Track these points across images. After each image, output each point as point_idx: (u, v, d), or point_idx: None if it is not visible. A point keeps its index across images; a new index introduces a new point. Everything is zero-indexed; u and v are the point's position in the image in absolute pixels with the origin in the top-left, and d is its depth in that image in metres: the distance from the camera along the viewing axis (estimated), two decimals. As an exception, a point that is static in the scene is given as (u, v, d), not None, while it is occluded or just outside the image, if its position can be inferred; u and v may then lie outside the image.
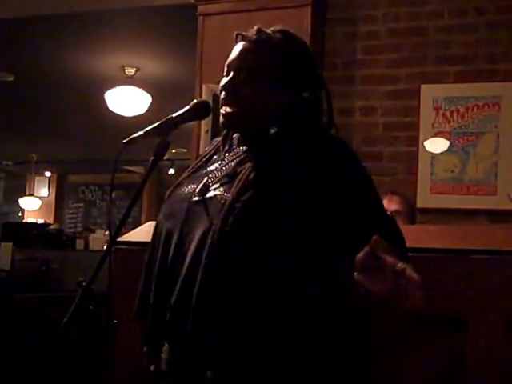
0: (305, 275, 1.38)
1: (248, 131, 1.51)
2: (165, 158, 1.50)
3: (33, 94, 7.09)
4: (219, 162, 1.53)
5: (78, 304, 1.34)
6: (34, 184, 12.41)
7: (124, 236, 2.07)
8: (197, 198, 1.45)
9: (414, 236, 1.45)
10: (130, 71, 6.18)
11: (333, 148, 1.46)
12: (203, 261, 1.35)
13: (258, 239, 1.36)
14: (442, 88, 3.46)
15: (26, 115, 8.12)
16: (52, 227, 8.93)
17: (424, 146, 3.45)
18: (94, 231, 9.09)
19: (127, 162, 9.00)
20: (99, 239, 7.71)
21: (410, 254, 1.61)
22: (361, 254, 1.15)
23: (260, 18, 3.00)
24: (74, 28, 5.14)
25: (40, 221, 11.58)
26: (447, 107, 3.44)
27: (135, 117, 6.19)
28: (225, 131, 1.58)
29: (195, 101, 1.57)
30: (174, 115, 1.52)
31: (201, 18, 3.61)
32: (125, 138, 1.47)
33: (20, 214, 12.76)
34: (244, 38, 1.52)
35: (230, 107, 1.49)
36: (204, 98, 3.18)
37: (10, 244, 5.93)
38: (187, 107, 1.55)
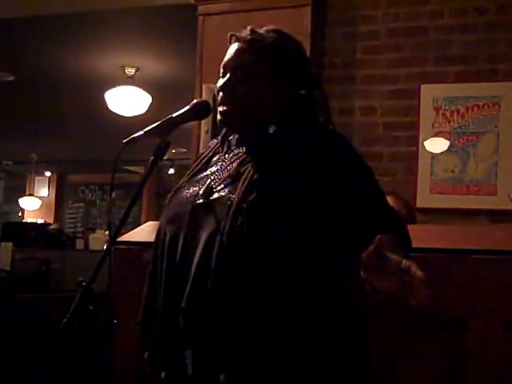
0: (314, 273, 1.38)
1: (246, 130, 1.51)
2: (165, 157, 1.50)
3: (33, 94, 7.09)
4: (220, 164, 1.52)
5: (78, 304, 1.34)
6: (33, 184, 12.41)
7: (124, 236, 2.07)
8: (201, 201, 1.45)
9: (414, 236, 1.45)
10: (130, 71, 6.18)
11: (333, 144, 1.46)
12: (213, 262, 1.35)
13: (267, 239, 1.36)
14: (442, 88, 3.46)
15: (26, 115, 8.12)
16: (52, 227, 8.93)
17: (424, 146, 3.45)
18: (94, 231, 9.10)
19: (127, 161, 8.99)
20: (99, 239, 7.72)
21: (411, 254, 1.61)
22: (365, 253, 1.15)
23: (260, 18, 3.01)
24: (74, 28, 5.14)
25: (40, 221, 11.58)
26: (447, 107, 3.44)
27: (135, 117, 6.19)
28: (223, 132, 1.58)
29: (195, 101, 1.57)
30: (173, 115, 1.52)
31: (201, 17, 3.61)
32: (125, 138, 1.47)
33: (20, 214, 12.76)
34: (238, 39, 1.53)
35: (228, 106, 1.49)
36: (204, 97, 3.18)
37: (10, 244, 5.93)
38: (187, 107, 1.55)
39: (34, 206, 11.85)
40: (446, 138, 3.44)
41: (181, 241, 1.44)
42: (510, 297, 1.69)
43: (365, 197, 1.43)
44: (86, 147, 10.14)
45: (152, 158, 1.47)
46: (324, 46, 3.63)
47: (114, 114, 6.28)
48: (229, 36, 1.56)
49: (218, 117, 1.52)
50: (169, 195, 1.56)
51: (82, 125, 8.46)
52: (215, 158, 1.57)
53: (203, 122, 3.23)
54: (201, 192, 1.46)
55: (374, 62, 3.58)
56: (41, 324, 4.60)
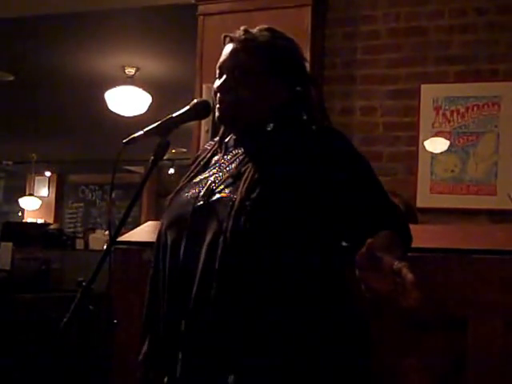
0: (317, 272, 1.38)
1: (246, 129, 1.51)
2: (165, 157, 1.50)
3: (33, 94, 7.09)
4: (218, 165, 1.52)
5: (78, 304, 1.34)
6: (33, 184, 12.40)
7: (124, 236, 2.07)
8: (201, 203, 1.44)
9: (414, 236, 1.45)
10: (130, 71, 6.18)
11: (332, 141, 1.47)
12: (217, 263, 1.35)
13: (270, 237, 1.36)
14: (442, 88, 3.46)
15: (26, 115, 8.12)
16: (52, 227, 8.93)
17: (424, 146, 3.45)
18: (95, 231, 9.10)
19: (127, 161, 8.99)
20: (99, 239, 7.72)
21: (410, 254, 1.61)
22: (358, 255, 1.15)
23: (260, 17, 3.01)
24: (74, 28, 5.14)
25: (40, 221, 11.58)
26: (447, 107, 3.44)
27: (135, 117, 6.19)
28: (220, 134, 1.58)
29: (195, 100, 1.57)
30: (174, 115, 1.52)
31: (201, 17, 3.61)
32: (125, 138, 1.47)
33: (20, 214, 12.76)
34: (232, 39, 1.53)
35: (227, 105, 1.49)
36: (204, 97, 3.18)
37: (10, 244, 5.93)
38: (187, 107, 1.55)
39: (33, 205, 11.85)
40: (446, 138, 3.44)
41: (183, 244, 1.43)
42: (510, 297, 1.69)
43: (365, 193, 1.44)
44: (86, 147, 10.14)
45: (152, 157, 1.47)
46: (324, 46, 3.63)
47: (114, 113, 6.27)
48: (222, 37, 1.57)
49: (217, 114, 1.52)
50: (168, 197, 1.56)
51: (82, 125, 8.45)
52: (214, 160, 1.57)
53: (203, 121, 3.23)
54: (201, 194, 1.46)
55: (374, 62, 3.58)
56: (41, 324, 4.60)
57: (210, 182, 1.48)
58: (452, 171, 3.41)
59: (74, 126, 8.55)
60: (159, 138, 1.48)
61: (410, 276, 1.10)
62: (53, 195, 12.87)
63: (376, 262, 1.15)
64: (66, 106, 7.55)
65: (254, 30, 1.54)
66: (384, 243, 1.30)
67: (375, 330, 1.48)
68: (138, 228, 2.23)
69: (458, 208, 3.37)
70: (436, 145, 3.44)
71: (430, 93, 3.46)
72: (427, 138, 3.45)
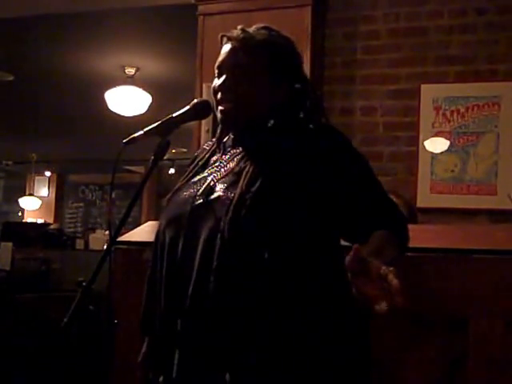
0: (317, 269, 1.38)
1: (247, 127, 1.52)
2: (165, 157, 1.50)
3: (33, 94, 7.09)
4: (217, 164, 1.53)
5: (78, 304, 1.33)
6: (33, 184, 12.40)
7: (124, 236, 2.07)
8: (200, 201, 1.45)
9: (414, 236, 1.45)
10: (130, 71, 6.17)
11: (330, 138, 1.48)
12: (215, 258, 1.35)
13: (270, 232, 1.36)
14: (442, 88, 3.46)
15: (26, 115, 8.12)
16: (52, 227, 8.94)
17: (424, 146, 3.45)
18: (95, 231, 9.10)
19: (127, 161, 8.99)
20: (99, 239, 7.72)
21: (410, 254, 1.61)
22: (346, 260, 1.16)
23: (260, 18, 3.00)
24: (74, 28, 5.14)
25: (40, 221, 11.58)
26: (447, 107, 3.44)
27: (135, 117, 6.19)
28: (218, 134, 1.59)
29: (195, 100, 1.57)
30: (174, 115, 1.52)
31: (201, 17, 3.61)
32: (125, 138, 1.47)
33: (20, 214, 12.76)
34: (230, 39, 1.54)
35: (229, 103, 1.49)
36: (204, 97, 3.17)
37: (10, 244, 5.93)
38: (187, 107, 1.55)
39: (33, 205, 11.85)
40: (446, 138, 3.44)
41: (181, 242, 1.43)
42: (510, 297, 1.69)
43: (363, 191, 1.45)
44: (86, 147, 10.14)
45: (152, 157, 1.47)
46: (324, 46, 3.63)
47: (114, 113, 6.27)
48: (220, 37, 1.57)
49: (219, 115, 1.52)
50: (166, 198, 1.56)
51: (81, 124, 8.46)
52: (212, 160, 1.57)
53: (203, 121, 3.22)
54: (199, 192, 1.47)
55: (374, 62, 3.58)
56: (41, 324, 4.60)
57: (208, 180, 1.49)
58: (452, 171, 3.41)
59: (74, 125, 8.55)
60: (159, 138, 1.48)
61: (395, 282, 1.11)
62: (53, 195, 12.87)
63: (365, 265, 1.15)
64: (66, 106, 7.54)
65: (252, 29, 1.55)
66: (377, 245, 1.31)
67: (375, 329, 1.48)
68: (138, 228, 2.23)
69: (457, 208, 3.37)
70: (436, 145, 3.44)
71: (429, 93, 3.46)
72: (427, 138, 3.45)
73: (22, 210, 12.48)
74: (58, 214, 12.82)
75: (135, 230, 2.21)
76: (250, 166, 1.42)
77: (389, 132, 3.52)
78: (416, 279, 1.74)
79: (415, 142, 3.46)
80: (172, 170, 10.77)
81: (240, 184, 1.39)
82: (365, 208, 1.42)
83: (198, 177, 1.54)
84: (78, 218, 12.79)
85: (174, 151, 8.84)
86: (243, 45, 1.51)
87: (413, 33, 3.52)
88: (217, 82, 1.53)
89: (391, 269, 1.13)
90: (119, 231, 1.46)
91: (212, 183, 1.47)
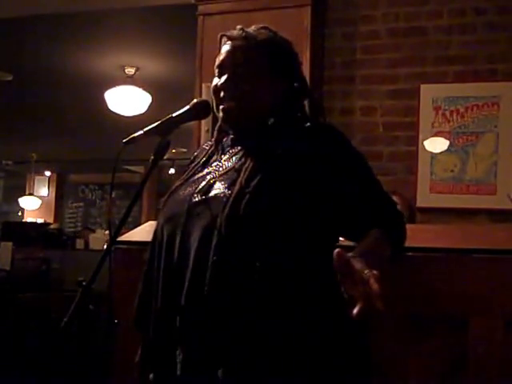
0: (314, 265, 1.39)
1: (248, 126, 1.52)
2: (165, 157, 1.50)
3: (32, 94, 7.08)
4: (216, 164, 1.53)
5: (78, 304, 1.34)
6: (33, 183, 12.41)
7: (124, 236, 2.07)
8: (198, 199, 1.45)
9: (414, 236, 1.45)
10: (130, 71, 6.18)
11: (328, 136, 1.49)
12: (211, 253, 1.35)
13: (267, 228, 1.36)
14: (442, 88, 3.46)
15: (26, 115, 8.12)
16: (52, 227, 8.94)
17: (424, 146, 3.45)
18: (93, 231, 9.10)
19: (127, 161, 9.00)
20: (99, 239, 7.72)
21: (410, 254, 1.61)
22: (334, 263, 1.16)
23: (260, 17, 3.00)
24: (74, 28, 5.14)
25: (40, 220, 11.59)
26: (447, 107, 3.44)
27: (135, 116, 6.19)
28: (215, 136, 1.59)
29: (195, 100, 1.57)
30: (174, 115, 1.52)
31: (201, 17, 3.61)
32: (125, 138, 1.47)
33: (20, 214, 12.77)
34: (231, 38, 1.54)
35: (232, 102, 1.49)
36: (204, 97, 3.18)
37: (10, 244, 5.94)
38: (187, 107, 1.55)
39: (33, 205, 11.85)
40: (445, 138, 3.44)
41: (178, 239, 1.44)
42: (510, 297, 1.70)
43: (361, 188, 1.46)
44: (86, 147, 10.14)
45: (152, 157, 1.47)
46: (324, 46, 3.63)
47: (114, 113, 6.27)
48: (219, 36, 1.58)
49: (222, 115, 1.52)
50: (163, 198, 1.56)
51: (81, 124, 8.45)
52: (211, 160, 1.57)
53: (203, 121, 3.22)
54: (197, 190, 1.47)
55: (373, 62, 3.58)
56: (41, 324, 4.61)
57: (207, 179, 1.49)
58: (452, 171, 3.41)
59: (73, 125, 8.55)
60: (159, 138, 1.48)
61: (375, 286, 1.11)
62: (53, 195, 12.89)
63: (350, 268, 1.16)
64: (66, 106, 7.54)
65: (251, 29, 1.56)
66: (368, 245, 1.33)
67: (376, 329, 1.48)
68: (139, 228, 2.23)
69: (457, 208, 3.37)
70: (436, 145, 3.45)
71: (429, 93, 3.46)
72: (427, 138, 3.45)
73: (22, 210, 12.49)
74: (58, 214, 12.83)
75: (135, 230, 2.21)
76: (249, 163, 1.43)
77: (389, 132, 3.52)
78: (416, 279, 1.75)
79: (415, 141, 3.46)
80: (172, 170, 10.78)
81: (239, 180, 1.40)
82: (363, 206, 1.44)
83: (197, 176, 1.54)
84: (78, 218, 12.80)
85: (174, 151, 8.84)
86: (245, 44, 1.52)
87: (412, 33, 3.52)
88: (218, 81, 1.53)
89: (374, 272, 1.14)
90: (119, 231, 1.46)
91: (211, 181, 1.47)
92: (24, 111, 7.95)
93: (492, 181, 3.34)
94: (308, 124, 1.50)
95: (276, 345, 1.34)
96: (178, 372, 1.41)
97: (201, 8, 3.61)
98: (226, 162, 1.51)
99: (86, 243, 7.92)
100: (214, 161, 1.55)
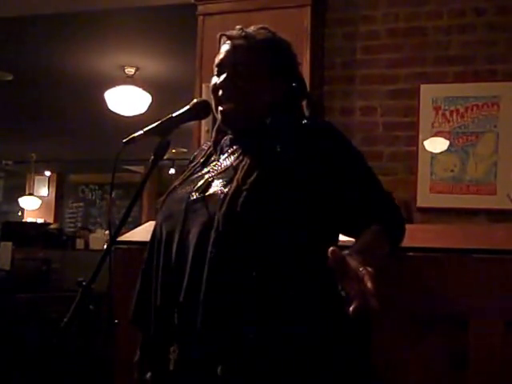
0: (317, 265, 1.39)
1: (246, 126, 1.52)
2: (165, 157, 1.50)
3: (32, 94, 7.08)
4: (214, 163, 1.54)
5: (79, 304, 1.34)
6: (33, 183, 12.40)
7: (124, 235, 2.07)
8: (196, 197, 1.45)
9: (414, 236, 1.45)
10: (130, 71, 6.17)
11: (327, 132, 1.49)
12: (209, 251, 1.35)
13: (264, 224, 1.36)
14: (442, 88, 3.46)
15: (26, 115, 8.12)
16: (52, 227, 8.94)
17: (424, 146, 3.45)
18: (90, 231, 9.09)
19: (127, 161, 9.00)
20: (99, 239, 7.73)
21: (410, 254, 1.61)
22: (329, 259, 1.16)
23: (260, 17, 3.01)
24: (74, 28, 5.14)
25: (40, 220, 11.59)
26: (447, 107, 3.44)
27: (135, 116, 6.19)
28: (213, 137, 1.59)
29: (195, 100, 1.57)
30: (174, 115, 1.52)
31: (201, 17, 3.61)
32: (125, 138, 1.47)
33: (20, 214, 12.76)
34: (230, 37, 1.55)
35: (231, 102, 1.49)
36: (204, 97, 3.18)
37: (10, 243, 5.94)
38: (187, 107, 1.55)
39: (33, 205, 11.85)
40: (445, 138, 3.44)
41: (176, 237, 1.44)
42: (510, 296, 1.70)
43: (359, 185, 1.46)
44: (86, 147, 10.14)
45: (152, 157, 1.47)
46: (324, 46, 3.63)
47: (114, 113, 6.27)
48: (218, 36, 1.58)
49: (220, 116, 1.52)
50: (161, 199, 1.57)
51: (81, 124, 8.46)
52: (210, 160, 1.58)
53: (203, 121, 3.22)
54: (195, 188, 1.47)
55: (373, 62, 3.58)
56: (41, 323, 4.61)
57: (205, 178, 1.50)
58: (452, 171, 3.41)
59: (73, 125, 8.55)
60: (159, 138, 1.48)
61: (369, 285, 1.11)
62: (53, 195, 12.88)
63: (346, 266, 1.16)
64: (66, 106, 7.54)
65: (251, 29, 1.57)
66: (364, 243, 1.33)
67: (376, 329, 1.48)
68: (139, 228, 2.23)
69: (457, 208, 3.37)
70: (436, 145, 3.45)
71: (429, 93, 3.46)
72: (427, 138, 3.45)
73: (22, 210, 12.49)
74: (58, 214, 12.83)
75: (135, 230, 2.21)
76: (246, 160, 1.43)
77: (389, 132, 3.52)
78: (416, 279, 1.75)
79: (415, 141, 3.46)
80: (172, 170, 10.77)
81: (236, 177, 1.40)
82: (361, 202, 1.44)
83: (196, 175, 1.54)
84: (78, 218, 12.80)
85: (174, 151, 8.84)
86: (244, 43, 1.52)
87: (412, 33, 3.52)
88: (217, 80, 1.53)
89: (369, 270, 1.14)
90: (119, 231, 1.46)
91: (209, 180, 1.48)
92: (24, 111, 7.95)
93: (492, 181, 3.34)
94: (305, 121, 1.50)
95: (275, 343, 1.34)
96: (171, 368, 1.41)
97: (201, 8, 3.61)
98: (224, 161, 1.51)
99: (86, 243, 7.92)
100: (213, 161, 1.55)
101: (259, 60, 1.52)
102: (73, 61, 6.02)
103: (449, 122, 3.44)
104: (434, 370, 1.74)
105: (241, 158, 1.46)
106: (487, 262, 1.72)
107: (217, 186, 1.44)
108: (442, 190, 3.42)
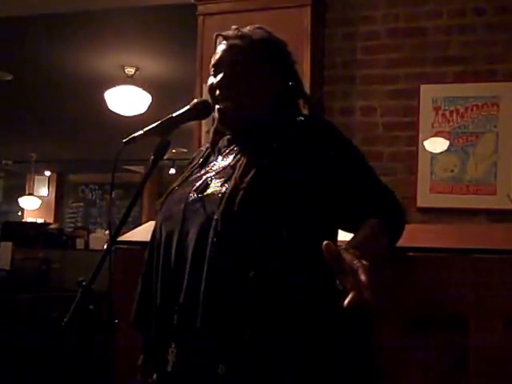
0: (316, 259, 1.39)
1: (245, 125, 1.52)
2: (165, 157, 1.50)
3: (32, 94, 7.08)
4: (212, 163, 1.54)
5: (79, 304, 1.34)
6: (33, 183, 12.41)
7: (124, 235, 2.08)
8: (193, 197, 1.46)
9: (414, 236, 1.45)
10: (130, 71, 6.17)
11: (325, 130, 1.50)
12: (208, 251, 1.35)
13: (263, 222, 1.36)
14: (442, 88, 3.46)
15: (26, 115, 8.12)
16: (52, 227, 8.94)
17: (424, 146, 3.45)
18: (89, 231, 9.09)
19: (127, 161, 8.99)
20: (99, 238, 7.73)
21: (410, 254, 1.62)
22: (324, 254, 1.16)
23: (260, 18, 3.01)
24: (74, 28, 5.14)
25: (40, 220, 11.59)
26: (447, 107, 3.44)
27: (135, 116, 6.19)
28: (211, 138, 1.59)
29: (195, 100, 1.57)
30: (174, 115, 1.52)
31: (201, 17, 3.61)
32: (125, 138, 1.47)
33: (20, 214, 12.76)
34: (227, 37, 1.55)
35: (228, 101, 1.50)
36: (204, 97, 3.18)
37: (10, 243, 5.94)
38: (187, 107, 1.55)
39: (33, 205, 11.85)
40: (445, 138, 3.44)
41: (176, 237, 1.44)
42: (510, 296, 1.70)
43: (356, 178, 1.46)
44: (86, 147, 10.14)
45: (152, 157, 1.47)
46: (324, 46, 3.63)
47: (114, 113, 6.27)
48: (214, 36, 1.59)
49: (218, 116, 1.52)
50: (160, 200, 1.57)
51: (81, 124, 8.46)
52: (208, 161, 1.58)
53: (203, 121, 3.22)
54: (194, 189, 1.48)
55: (373, 62, 3.58)
56: (41, 323, 4.61)
57: (203, 178, 1.50)
58: (452, 171, 3.41)
59: (73, 125, 8.55)
60: (159, 138, 1.48)
61: (362, 277, 1.11)
62: (53, 195, 12.88)
63: (341, 259, 1.16)
64: (66, 106, 7.54)
65: (247, 29, 1.58)
66: (363, 236, 1.33)
67: (376, 329, 1.48)
68: (139, 228, 2.23)
69: (457, 208, 3.37)
70: (436, 145, 3.45)
71: (429, 93, 3.46)
72: (427, 138, 3.45)
73: (22, 210, 12.49)
74: (58, 214, 12.83)
75: (135, 230, 2.21)
76: (243, 159, 1.43)
77: (389, 132, 3.52)
78: (416, 279, 1.75)
79: (415, 141, 3.46)
80: (172, 170, 10.77)
81: (233, 176, 1.40)
82: (362, 198, 1.44)
83: (194, 176, 1.55)
84: (78, 218, 12.80)
85: (174, 151, 8.84)
86: (240, 43, 1.53)
87: (412, 33, 3.52)
88: (214, 79, 1.53)
89: (363, 263, 1.14)
90: (119, 231, 1.46)
91: (207, 180, 1.48)
92: (24, 111, 7.95)
93: (492, 181, 3.34)
94: (303, 119, 1.50)
95: (275, 343, 1.34)
96: (169, 369, 1.41)
97: (201, 8, 3.61)
98: (222, 162, 1.51)
99: (86, 243, 7.92)
100: (211, 161, 1.56)
101: (255, 59, 1.52)
102: (73, 61, 6.02)
103: (449, 122, 3.44)
104: (433, 370, 1.75)
105: (238, 157, 1.46)
106: (487, 261, 1.72)
107: (215, 186, 1.44)
108: (442, 190, 3.42)
